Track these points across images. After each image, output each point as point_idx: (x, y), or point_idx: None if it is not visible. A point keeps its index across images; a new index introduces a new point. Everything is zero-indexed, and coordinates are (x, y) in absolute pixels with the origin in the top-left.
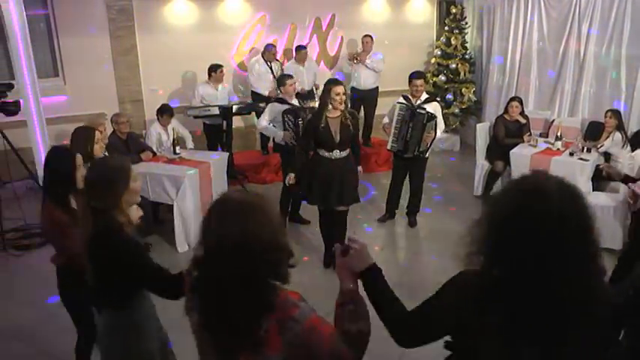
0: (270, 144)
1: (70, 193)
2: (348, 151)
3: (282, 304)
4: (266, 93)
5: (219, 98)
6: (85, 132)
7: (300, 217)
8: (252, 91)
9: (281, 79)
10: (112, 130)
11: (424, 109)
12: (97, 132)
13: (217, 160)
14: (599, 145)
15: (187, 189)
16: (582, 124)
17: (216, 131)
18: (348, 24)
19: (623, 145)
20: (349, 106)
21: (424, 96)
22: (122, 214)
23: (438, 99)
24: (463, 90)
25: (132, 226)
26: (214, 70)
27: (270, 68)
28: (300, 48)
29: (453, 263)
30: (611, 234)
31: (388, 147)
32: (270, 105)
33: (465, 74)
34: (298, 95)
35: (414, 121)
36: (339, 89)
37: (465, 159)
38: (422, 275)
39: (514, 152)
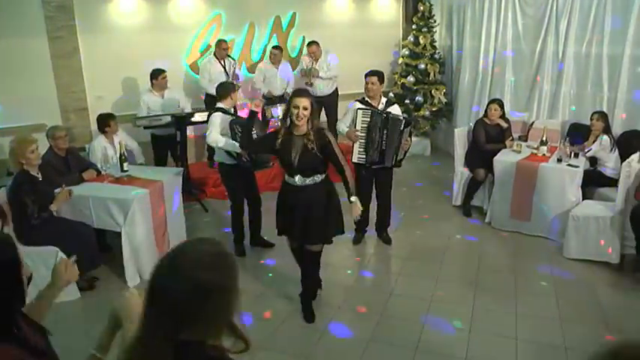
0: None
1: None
2: (318, 177)
3: None
4: None
5: (167, 106)
6: None
7: (263, 239)
8: (206, 94)
9: (228, 87)
10: (49, 145)
11: (389, 113)
12: None
13: (171, 176)
14: (586, 150)
15: (137, 213)
16: (562, 127)
17: (166, 143)
18: (310, 23)
19: (612, 149)
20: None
21: (383, 99)
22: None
23: (407, 101)
24: (433, 91)
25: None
26: (155, 76)
27: (224, 67)
28: (275, 48)
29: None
30: (607, 247)
31: (354, 159)
32: (214, 116)
33: (434, 75)
34: (267, 99)
35: (388, 127)
36: (299, 101)
37: (437, 164)
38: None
39: (498, 159)
